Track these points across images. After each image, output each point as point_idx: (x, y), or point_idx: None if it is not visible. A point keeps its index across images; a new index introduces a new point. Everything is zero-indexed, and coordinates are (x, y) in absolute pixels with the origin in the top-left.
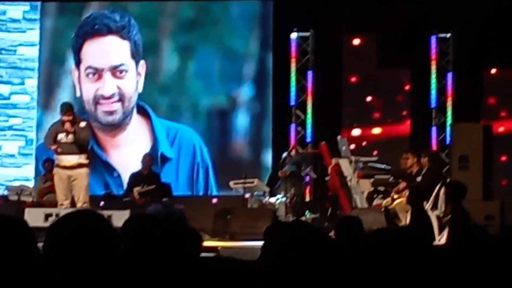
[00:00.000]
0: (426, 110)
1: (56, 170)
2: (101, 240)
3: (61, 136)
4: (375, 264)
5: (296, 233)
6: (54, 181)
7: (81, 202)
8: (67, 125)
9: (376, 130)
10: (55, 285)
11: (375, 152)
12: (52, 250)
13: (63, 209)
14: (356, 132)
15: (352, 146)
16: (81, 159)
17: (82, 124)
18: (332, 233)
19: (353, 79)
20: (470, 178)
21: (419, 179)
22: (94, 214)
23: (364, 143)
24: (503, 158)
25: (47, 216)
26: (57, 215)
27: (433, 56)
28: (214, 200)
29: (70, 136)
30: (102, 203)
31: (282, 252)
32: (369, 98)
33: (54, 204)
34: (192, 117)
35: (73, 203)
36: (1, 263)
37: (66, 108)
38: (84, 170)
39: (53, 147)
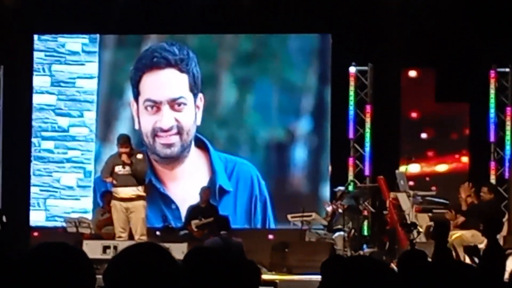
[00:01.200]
0: (485, 144)
1: (113, 203)
2: (163, 274)
3: (118, 168)
4: None
5: (357, 266)
6: (112, 213)
7: (139, 234)
8: (124, 157)
9: (435, 165)
10: None
11: (433, 188)
12: (113, 282)
13: (121, 241)
14: (414, 167)
15: (411, 183)
16: (138, 191)
17: (139, 156)
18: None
19: (413, 114)
20: None
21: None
22: (156, 247)
23: (424, 179)
24: None
25: (105, 248)
26: (115, 247)
27: (492, 90)
28: (271, 236)
29: (127, 168)
30: (157, 232)
31: (341, 285)
32: (427, 133)
33: (112, 237)
34: (250, 150)
35: (131, 236)
36: None
37: (123, 140)
38: (141, 203)
39: (109, 179)
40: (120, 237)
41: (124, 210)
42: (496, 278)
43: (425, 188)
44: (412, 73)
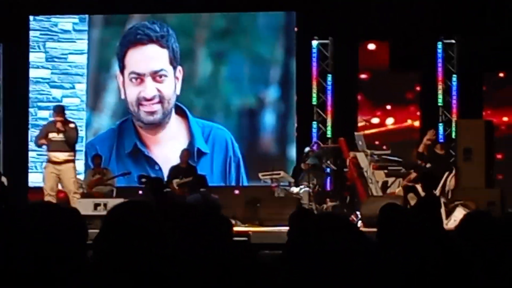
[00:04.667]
0: (434, 108)
1: (46, 165)
2: (150, 227)
3: (53, 135)
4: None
5: (319, 218)
6: (44, 175)
7: (72, 192)
8: (59, 125)
9: (388, 127)
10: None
11: (384, 147)
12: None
13: (111, 199)
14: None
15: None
16: (69, 156)
17: (71, 125)
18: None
19: (369, 82)
20: (473, 168)
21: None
22: (143, 204)
23: (379, 140)
24: (499, 156)
25: (96, 206)
26: (105, 204)
27: (440, 60)
28: (236, 192)
29: (61, 135)
30: (140, 192)
31: (307, 237)
32: (382, 99)
33: (102, 195)
34: (224, 117)
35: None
36: (58, 249)
37: (59, 110)
38: (71, 165)
39: (42, 141)
40: (49, 194)
41: (56, 172)
42: (434, 223)
43: (380, 148)
44: (368, 46)
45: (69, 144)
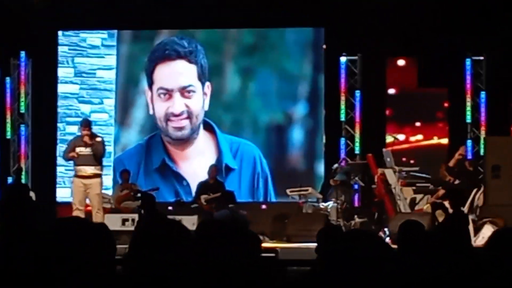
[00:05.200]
0: (463, 125)
1: (74, 180)
2: (180, 243)
3: (80, 149)
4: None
5: (349, 235)
6: (72, 189)
7: (96, 208)
8: (86, 138)
9: (417, 144)
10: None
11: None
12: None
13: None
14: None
15: (404, 159)
16: (97, 170)
17: (98, 139)
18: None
19: (397, 99)
20: (502, 185)
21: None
22: (174, 222)
23: (407, 156)
24: None
25: (124, 221)
26: (133, 220)
27: (468, 77)
28: (263, 206)
29: (88, 149)
30: (169, 207)
31: (336, 253)
32: (410, 116)
33: (130, 210)
34: (252, 132)
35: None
36: (87, 264)
37: (85, 123)
38: (98, 180)
39: (71, 154)
40: (77, 209)
41: (83, 186)
42: (461, 240)
43: (407, 164)
44: (397, 62)
45: (97, 158)
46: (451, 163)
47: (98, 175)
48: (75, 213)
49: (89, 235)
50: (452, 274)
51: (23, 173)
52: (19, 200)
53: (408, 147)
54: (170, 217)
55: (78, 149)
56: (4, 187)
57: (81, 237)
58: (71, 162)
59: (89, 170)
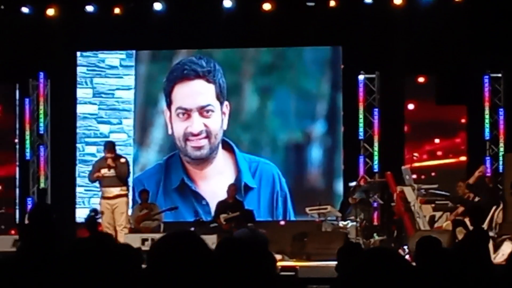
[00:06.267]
0: (481, 142)
1: (101, 202)
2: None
3: (104, 171)
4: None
5: (369, 253)
6: (101, 211)
7: (120, 226)
8: (109, 161)
9: (435, 161)
10: None
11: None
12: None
13: (159, 234)
14: (417, 163)
15: (414, 176)
16: (122, 190)
17: (122, 160)
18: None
19: (415, 116)
20: None
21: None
22: (194, 235)
23: (426, 173)
24: None
25: (144, 241)
26: (152, 239)
27: (487, 94)
28: (282, 223)
29: (112, 171)
30: (192, 228)
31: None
32: (428, 133)
33: (149, 230)
34: (271, 151)
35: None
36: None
37: (109, 146)
38: (124, 199)
39: (96, 175)
40: (106, 228)
41: (109, 207)
42: (482, 258)
43: (426, 181)
44: (415, 79)
45: (121, 179)
46: (471, 180)
47: (124, 195)
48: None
49: (116, 255)
50: None
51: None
52: (43, 221)
53: (427, 164)
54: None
55: (102, 171)
56: (31, 208)
57: (108, 257)
58: (88, 182)
59: (114, 191)
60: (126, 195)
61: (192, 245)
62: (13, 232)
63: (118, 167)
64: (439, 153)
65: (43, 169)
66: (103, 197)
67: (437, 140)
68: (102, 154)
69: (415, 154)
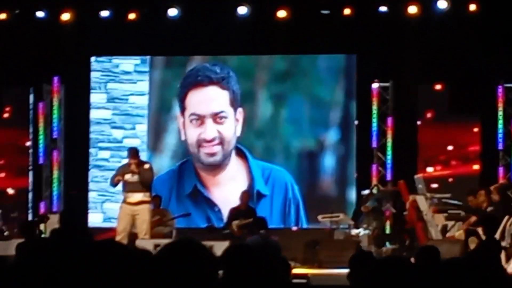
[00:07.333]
0: (494, 152)
1: (122, 206)
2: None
3: (128, 176)
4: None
5: (381, 261)
6: (118, 214)
7: (143, 234)
8: (133, 167)
9: (448, 171)
10: None
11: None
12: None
13: (170, 241)
14: (430, 171)
15: (436, 185)
16: (145, 197)
17: (146, 166)
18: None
19: (429, 125)
20: None
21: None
22: (196, 243)
23: (439, 182)
24: None
25: (156, 246)
26: None
27: (500, 104)
28: (294, 228)
29: (136, 176)
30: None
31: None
32: (441, 142)
33: (161, 236)
34: (284, 158)
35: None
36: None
37: (133, 152)
38: (147, 206)
39: (118, 178)
40: (119, 235)
41: (131, 213)
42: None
43: (440, 191)
44: (428, 88)
45: (144, 185)
46: (493, 187)
47: (147, 202)
48: (118, 239)
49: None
50: None
51: (55, 198)
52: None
53: (440, 174)
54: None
55: (126, 176)
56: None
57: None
58: (103, 187)
59: (138, 197)
60: (149, 202)
61: (195, 252)
62: None
63: (141, 173)
64: (452, 162)
65: (56, 173)
66: (125, 202)
67: (450, 148)
68: (115, 159)
69: (424, 161)
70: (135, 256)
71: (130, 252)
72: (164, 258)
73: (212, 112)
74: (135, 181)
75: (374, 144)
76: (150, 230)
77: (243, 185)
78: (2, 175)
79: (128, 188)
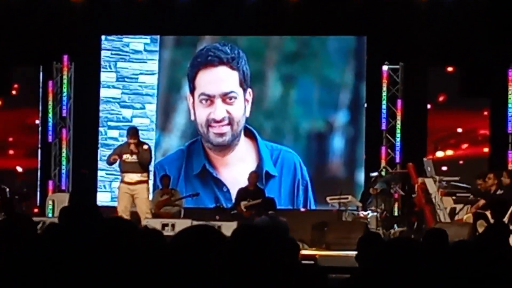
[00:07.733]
0: (504, 135)
1: (120, 185)
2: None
3: (126, 156)
4: (457, 270)
5: (390, 243)
6: (117, 194)
7: (144, 212)
8: (132, 146)
9: (458, 153)
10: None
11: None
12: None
13: (178, 220)
14: (439, 154)
15: (445, 168)
16: (143, 177)
17: (145, 146)
18: None
19: (439, 108)
20: None
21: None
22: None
23: (448, 165)
24: None
25: (164, 226)
26: (172, 225)
27: (511, 86)
28: (302, 209)
29: (134, 156)
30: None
31: (378, 261)
32: (451, 125)
33: (170, 216)
34: (293, 140)
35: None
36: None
37: (132, 132)
38: (145, 186)
39: (113, 157)
40: (121, 215)
41: (130, 192)
42: (502, 251)
43: (449, 174)
44: (439, 70)
45: (142, 166)
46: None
47: (144, 181)
48: None
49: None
50: (493, 282)
51: (64, 176)
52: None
53: (449, 156)
54: (211, 223)
55: (124, 156)
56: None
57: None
58: (112, 167)
59: (135, 177)
60: (147, 182)
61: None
62: (36, 210)
63: (140, 153)
64: (461, 144)
65: (65, 152)
66: (123, 182)
67: (459, 130)
68: (124, 139)
69: (433, 143)
70: (147, 235)
71: (140, 231)
72: (180, 244)
73: (222, 92)
74: (133, 161)
75: (383, 126)
76: (149, 209)
77: (252, 165)
78: (11, 153)
79: (126, 168)
